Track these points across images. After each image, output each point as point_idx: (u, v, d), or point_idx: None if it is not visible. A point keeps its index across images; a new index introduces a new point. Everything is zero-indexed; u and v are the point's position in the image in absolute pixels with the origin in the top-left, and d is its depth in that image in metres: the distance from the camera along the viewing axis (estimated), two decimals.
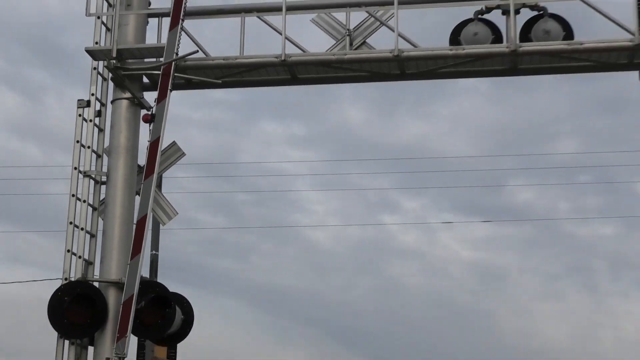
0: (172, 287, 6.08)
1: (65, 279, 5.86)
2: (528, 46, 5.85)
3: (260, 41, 6.35)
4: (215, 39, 7.21)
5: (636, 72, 6.24)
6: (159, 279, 7.05)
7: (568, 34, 5.89)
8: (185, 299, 6.00)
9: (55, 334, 5.84)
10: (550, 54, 5.98)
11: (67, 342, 5.83)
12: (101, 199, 6.12)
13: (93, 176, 6.09)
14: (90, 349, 5.94)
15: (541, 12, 5.93)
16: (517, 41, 5.81)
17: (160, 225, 7.24)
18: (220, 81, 6.30)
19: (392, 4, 5.87)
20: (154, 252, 7.46)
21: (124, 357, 5.58)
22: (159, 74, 5.99)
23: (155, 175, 5.75)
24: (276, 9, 6.14)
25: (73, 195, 5.96)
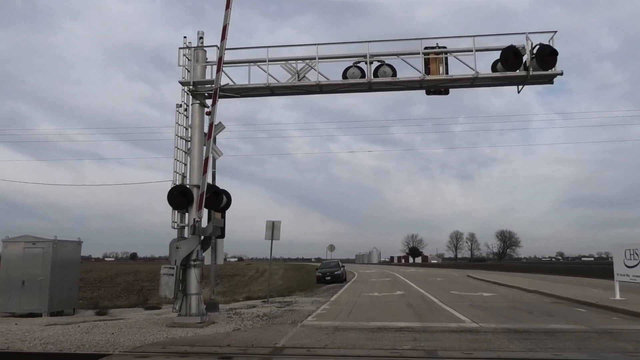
0: (225, 182, 13.37)
1: (174, 183, 13.05)
2: (376, 80, 12.91)
3: (257, 75, 13.42)
4: (236, 74, 14.22)
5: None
6: (217, 181, 14.13)
7: (394, 73, 12.91)
8: (227, 192, 13.25)
9: (170, 208, 13.10)
10: (385, 82, 13.03)
11: (176, 211, 13.09)
12: (188, 147, 13.26)
13: (184, 138, 13.25)
14: (186, 214, 13.22)
15: (381, 62, 12.94)
16: (372, 77, 12.88)
17: (216, 159, 14.43)
18: (239, 95, 13.43)
19: (315, 59, 12.92)
20: (213, 170, 14.44)
21: (201, 218, 12.75)
22: (212, 92, 13.07)
23: (212, 138, 12.88)
24: (263, 61, 13.16)
25: (176, 147, 13.10)
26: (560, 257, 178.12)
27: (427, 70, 13.05)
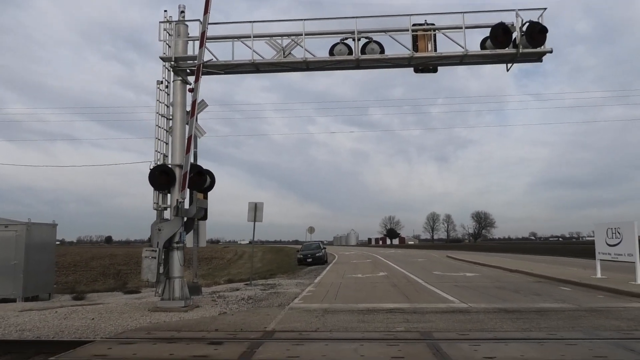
0: (205, 164, 12.93)
1: (155, 163, 12.54)
2: (364, 56, 12.54)
3: (241, 52, 12.91)
4: (220, 50, 13.65)
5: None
6: (198, 162, 13.67)
7: (382, 50, 12.56)
8: (211, 172, 12.81)
9: (151, 188, 12.61)
10: (373, 60, 12.67)
11: (157, 192, 12.61)
12: (169, 126, 12.74)
13: (166, 116, 12.71)
14: (168, 195, 12.75)
15: (369, 39, 12.56)
16: (359, 54, 12.49)
17: (199, 137, 13.93)
18: (223, 71, 12.90)
19: (301, 35, 12.47)
20: (195, 150, 13.95)
21: (184, 199, 12.32)
22: (194, 68, 12.51)
23: (195, 116, 12.35)
24: (248, 37, 12.64)
25: (157, 125, 12.57)
26: (533, 237, 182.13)
27: (416, 48, 12.72)
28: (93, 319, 10.73)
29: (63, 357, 6.68)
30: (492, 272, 22.48)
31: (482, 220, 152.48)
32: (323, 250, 36.62)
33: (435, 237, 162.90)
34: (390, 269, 25.89)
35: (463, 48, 12.58)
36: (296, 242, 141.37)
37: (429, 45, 12.94)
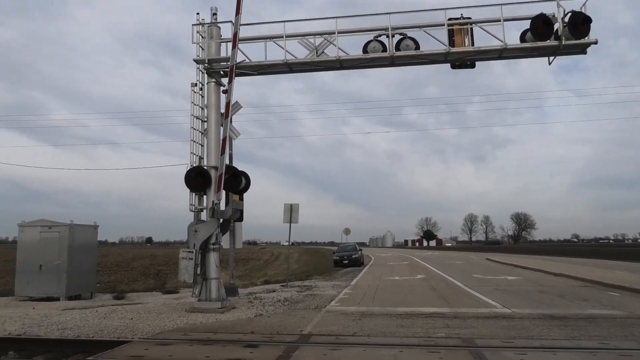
0: (241, 166, 12.91)
1: (191, 165, 12.59)
2: (399, 53, 12.24)
3: (274, 53, 12.82)
4: (253, 51, 13.62)
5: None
6: (234, 164, 13.65)
7: (417, 46, 12.22)
8: (246, 174, 12.76)
9: (188, 190, 12.66)
10: (408, 56, 12.35)
11: (194, 194, 12.66)
12: (204, 128, 12.77)
13: (200, 118, 12.76)
14: (204, 197, 12.78)
15: (403, 36, 12.24)
16: (394, 50, 12.20)
17: (233, 139, 13.92)
18: (256, 72, 12.84)
19: (334, 33, 12.27)
20: (230, 151, 13.95)
21: (220, 200, 12.31)
22: (227, 70, 12.50)
23: (229, 117, 12.35)
24: (280, 37, 12.53)
25: (192, 127, 12.62)
26: (575, 239, 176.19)
27: (452, 43, 12.35)
28: (132, 318, 10.82)
29: (100, 357, 6.68)
30: (534, 276, 21.69)
31: (522, 222, 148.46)
32: (359, 252, 36.27)
33: (473, 238, 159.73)
34: (428, 272, 25.37)
35: (502, 42, 12.14)
36: (332, 243, 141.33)
37: (466, 40, 12.54)
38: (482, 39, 12.52)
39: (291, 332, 8.64)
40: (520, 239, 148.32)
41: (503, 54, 12.43)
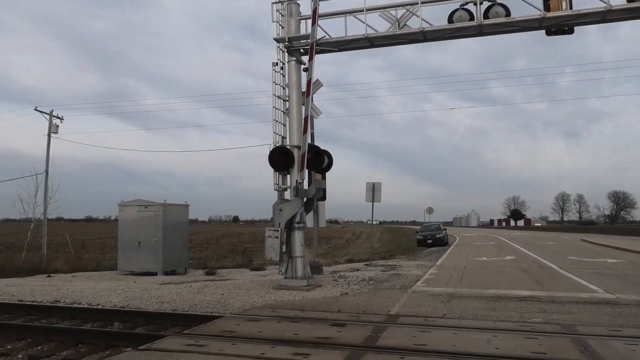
0: (321, 145, 12.86)
1: (274, 144, 12.68)
2: (488, 21, 11.46)
3: (354, 28, 12.51)
4: (333, 27, 13.41)
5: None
6: (315, 143, 13.65)
7: (508, 13, 11.38)
8: (329, 152, 12.69)
9: (272, 170, 12.82)
10: (498, 24, 11.54)
11: (277, 173, 12.79)
12: (286, 107, 12.82)
13: (282, 97, 12.82)
14: (288, 176, 12.88)
15: (492, 2, 11.43)
16: (482, 19, 11.45)
17: (315, 118, 13.91)
18: (337, 49, 12.63)
19: (417, 4, 11.72)
20: (312, 130, 13.95)
21: (303, 179, 12.34)
22: (307, 48, 12.40)
23: (310, 96, 12.29)
24: (360, 10, 12.19)
25: (274, 107, 12.72)
26: None
27: (547, 7, 11.36)
28: (222, 294, 11.23)
29: (195, 331, 6.94)
30: (638, 259, 19.98)
31: (621, 201, 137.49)
32: (443, 232, 35.36)
33: (565, 218, 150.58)
34: (517, 253, 24.21)
35: (605, 3, 10.99)
36: (414, 222, 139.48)
37: (563, 4, 11.49)
38: (581, 1, 11.45)
39: (378, 312, 8.52)
40: (619, 219, 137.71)
41: (606, 16, 11.28)
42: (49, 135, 30.50)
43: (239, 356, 5.51)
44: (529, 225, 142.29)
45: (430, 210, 52.06)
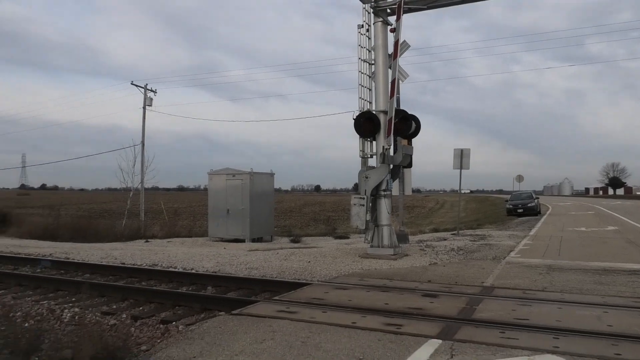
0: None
1: (359, 110, 12.38)
2: None
3: None
4: None
5: None
6: (402, 105, 13.21)
7: None
8: (416, 117, 12.18)
9: (355, 138, 12.52)
10: None
11: (362, 139, 12.48)
12: (372, 71, 12.40)
13: (368, 61, 12.40)
14: (373, 143, 12.56)
15: None
16: None
17: (401, 81, 13.41)
18: (425, 6, 11.92)
19: None
20: (398, 95, 13.51)
21: (390, 145, 11.98)
22: (394, 7, 11.82)
23: (397, 58, 11.79)
24: None
25: (359, 71, 12.32)
26: None
27: None
28: (309, 262, 11.29)
29: (285, 298, 6.97)
30: None
31: None
32: (535, 200, 33.36)
33: None
34: (620, 223, 22.34)
35: None
36: (500, 191, 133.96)
37: None
38: None
39: (471, 284, 8.11)
40: None
41: None
42: (144, 108, 32.12)
43: (330, 324, 5.42)
44: (630, 194, 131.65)
45: (519, 178, 49.49)
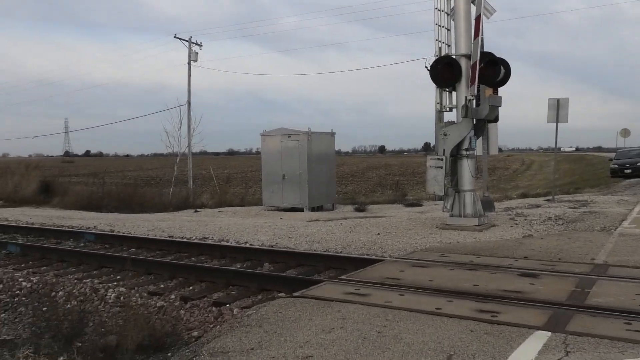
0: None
1: (436, 55, 11.71)
2: None
3: None
4: None
5: None
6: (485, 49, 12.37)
7: None
8: (506, 61, 11.36)
9: (426, 91, 11.94)
10: None
11: (439, 90, 11.85)
12: (451, 7, 11.61)
13: (445, 11, 11.61)
14: (453, 94, 11.90)
15: None
16: None
17: (486, 18, 12.53)
18: None
19: None
20: (482, 36, 12.69)
21: (474, 96, 11.28)
22: None
23: None
24: None
25: (436, 8, 11.55)
26: None
27: None
28: (378, 234, 11.00)
29: (354, 277, 6.71)
30: None
31: None
32: None
33: None
34: None
35: None
36: (599, 149, 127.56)
37: None
38: None
39: (578, 261, 7.52)
40: None
41: None
42: (189, 64, 32.42)
43: (410, 310, 5.10)
44: None
45: (625, 133, 46.63)
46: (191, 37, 32.63)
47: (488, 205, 13.39)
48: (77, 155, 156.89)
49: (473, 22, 11.00)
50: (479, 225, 10.93)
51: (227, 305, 6.68)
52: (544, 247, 8.64)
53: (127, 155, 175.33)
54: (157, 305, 6.85)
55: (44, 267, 9.47)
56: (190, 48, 32.57)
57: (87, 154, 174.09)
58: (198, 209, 20.25)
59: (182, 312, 6.60)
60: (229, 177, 45.65)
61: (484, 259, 7.77)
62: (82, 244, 11.78)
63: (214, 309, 6.61)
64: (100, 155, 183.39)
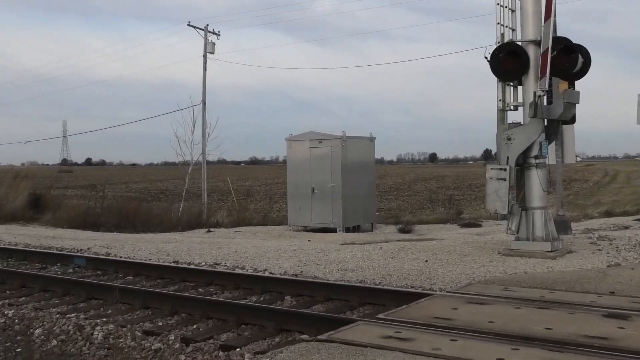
0: None
1: (497, 42, 11.44)
2: None
3: None
4: None
5: None
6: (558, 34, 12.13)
7: None
8: (585, 48, 11.03)
9: (488, 85, 11.64)
10: None
11: (502, 83, 11.54)
12: None
13: None
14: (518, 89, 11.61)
15: None
16: None
17: None
18: None
19: None
20: (554, 18, 12.47)
21: (545, 91, 10.95)
22: None
23: None
24: None
25: None
26: None
27: None
28: (426, 261, 10.86)
29: (394, 316, 6.45)
30: None
31: None
32: None
33: None
34: None
35: None
36: None
37: None
38: None
39: None
40: None
41: None
42: (204, 57, 32.70)
43: None
44: None
45: None
46: (207, 25, 32.99)
47: (563, 226, 13.11)
48: (76, 164, 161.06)
49: (543, 0, 10.79)
50: (551, 252, 10.76)
51: (237, 349, 6.52)
52: (636, 280, 8.28)
53: (134, 164, 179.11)
54: (153, 347, 6.71)
55: (23, 298, 9.48)
56: (206, 38, 32.89)
57: (88, 162, 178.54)
58: (212, 229, 20.30)
59: (183, 357, 6.45)
60: (250, 190, 45.98)
61: (559, 295, 7.45)
62: (70, 270, 11.84)
63: (220, 353, 6.45)
64: (102, 163, 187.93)
